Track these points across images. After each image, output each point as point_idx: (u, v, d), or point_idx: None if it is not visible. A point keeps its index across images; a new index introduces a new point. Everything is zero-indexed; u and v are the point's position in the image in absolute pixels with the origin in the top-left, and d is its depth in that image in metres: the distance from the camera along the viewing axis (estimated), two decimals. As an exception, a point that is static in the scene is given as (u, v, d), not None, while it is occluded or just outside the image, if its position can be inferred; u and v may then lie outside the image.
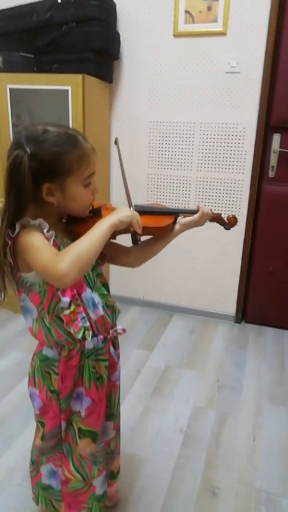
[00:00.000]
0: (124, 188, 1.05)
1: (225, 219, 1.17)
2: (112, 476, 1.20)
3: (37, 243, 0.82)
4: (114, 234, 0.97)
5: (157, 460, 1.50)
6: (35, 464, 1.11)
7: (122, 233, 0.95)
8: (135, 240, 0.94)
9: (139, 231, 0.91)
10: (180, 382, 1.95)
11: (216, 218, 1.15)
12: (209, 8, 2.17)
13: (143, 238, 0.98)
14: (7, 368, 2.00)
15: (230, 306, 2.56)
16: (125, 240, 1.01)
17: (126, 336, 1.09)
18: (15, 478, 1.39)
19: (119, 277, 2.67)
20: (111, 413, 1.10)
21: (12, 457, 1.48)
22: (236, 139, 2.28)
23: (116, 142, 1.15)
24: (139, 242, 0.95)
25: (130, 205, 0.98)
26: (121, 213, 0.89)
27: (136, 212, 0.92)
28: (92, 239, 0.82)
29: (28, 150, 0.82)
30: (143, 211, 1.02)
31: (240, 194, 2.35)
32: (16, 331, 2.35)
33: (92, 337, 0.95)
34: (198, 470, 1.46)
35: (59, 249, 0.87)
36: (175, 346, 2.27)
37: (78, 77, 2.06)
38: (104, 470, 1.09)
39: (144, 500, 1.33)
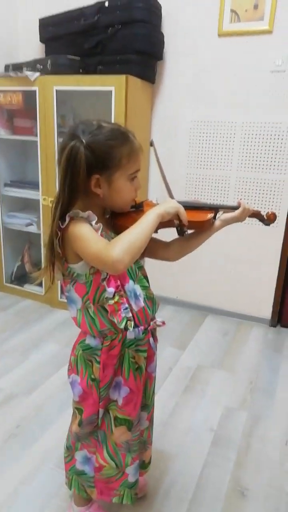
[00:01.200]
0: (164, 185, 1.07)
1: (264, 215, 1.16)
2: (143, 465, 1.22)
3: (88, 233, 0.86)
4: (157, 227, 1.00)
5: (186, 456, 1.50)
6: (70, 450, 1.15)
7: (165, 226, 0.97)
8: (181, 231, 0.94)
9: (186, 222, 0.92)
10: (212, 382, 1.94)
11: (256, 214, 1.14)
12: (255, 7, 2.15)
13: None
14: (44, 359, 2.07)
15: (265, 309, 2.52)
16: (163, 234, 1.04)
17: (159, 333, 1.11)
18: (49, 463, 1.44)
19: (153, 276, 2.68)
20: (145, 403, 1.12)
21: (46, 443, 1.53)
22: (278, 139, 2.24)
23: (151, 144, 1.16)
24: (185, 233, 0.95)
25: (170, 196, 1.00)
26: (168, 204, 0.91)
27: (181, 205, 0.94)
28: (141, 228, 0.85)
29: (84, 141, 0.87)
30: (184, 205, 1.04)
31: (281, 195, 2.31)
32: (54, 324, 2.43)
33: (133, 327, 0.98)
34: (228, 470, 1.45)
35: None
36: (208, 346, 2.26)
37: (122, 77, 2.11)
38: (137, 459, 1.11)
39: (172, 495, 1.34)
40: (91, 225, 0.89)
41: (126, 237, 0.84)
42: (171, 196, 1.00)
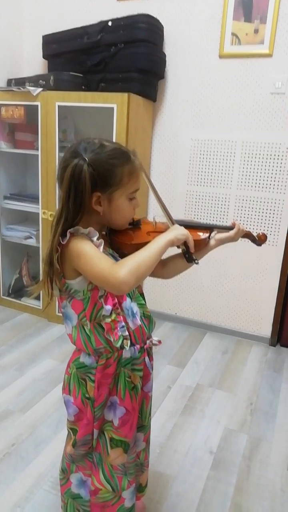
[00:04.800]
0: (164, 212, 1.05)
1: (256, 236, 1.21)
2: (140, 489, 1.19)
3: (91, 250, 0.86)
4: None
5: (185, 479, 1.46)
6: (65, 472, 1.11)
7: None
8: (189, 258, 0.97)
9: (193, 249, 0.95)
10: (212, 402, 1.90)
11: (248, 235, 1.19)
12: (256, 31, 2.20)
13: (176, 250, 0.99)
14: (40, 375, 2.03)
15: (265, 328, 2.50)
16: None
17: (157, 351, 1.10)
18: (44, 485, 1.40)
19: (153, 291, 2.68)
20: (142, 424, 1.09)
21: (41, 464, 1.49)
22: (277, 158, 2.26)
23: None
24: (195, 260, 0.97)
25: (172, 222, 1.01)
26: (177, 230, 0.93)
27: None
28: (150, 253, 0.86)
29: (87, 159, 0.87)
30: (180, 224, 1.07)
31: (280, 213, 2.32)
32: (50, 339, 2.40)
33: (129, 346, 0.96)
34: (228, 495, 1.41)
35: None
36: (207, 364, 2.23)
37: (124, 95, 2.13)
38: (134, 482, 1.08)
39: (171, 521, 1.30)
40: (92, 241, 0.88)
41: (135, 259, 0.84)
42: (171, 219, 1.01)
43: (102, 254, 0.87)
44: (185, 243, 0.94)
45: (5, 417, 1.71)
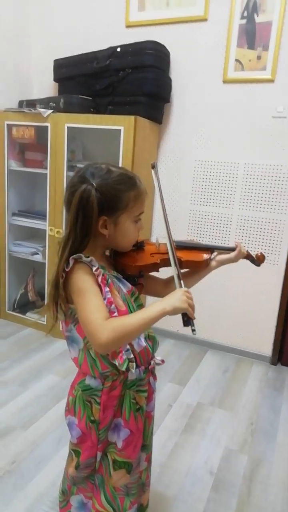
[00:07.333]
0: (162, 210, 1.07)
1: (254, 257, 1.24)
2: (141, 509, 1.19)
3: (89, 292, 0.87)
4: (156, 267, 1.04)
5: (185, 500, 1.46)
6: (65, 494, 1.11)
7: (163, 266, 1.04)
8: (187, 322, 0.90)
9: (193, 317, 0.89)
10: (212, 421, 1.91)
11: (248, 256, 1.23)
12: (258, 57, 2.27)
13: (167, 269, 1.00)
14: (43, 391, 2.05)
15: (266, 346, 2.51)
16: (163, 272, 1.07)
17: (159, 369, 1.12)
18: (43, 505, 1.40)
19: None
20: (144, 443, 1.10)
21: (42, 482, 1.49)
22: (279, 180, 2.31)
23: (153, 167, 1.12)
24: (194, 330, 0.89)
25: (180, 284, 0.97)
26: (177, 300, 0.88)
27: (191, 297, 0.91)
28: (140, 321, 0.85)
29: (94, 184, 0.91)
30: (182, 246, 1.12)
31: (281, 234, 2.35)
32: (54, 355, 2.42)
33: (135, 368, 0.98)
34: (228, 517, 1.41)
35: (107, 282, 0.92)
36: (208, 383, 2.24)
37: (131, 118, 2.20)
38: (136, 503, 1.09)
39: None
40: (92, 270, 0.89)
41: (124, 325, 0.83)
42: (180, 282, 0.97)
43: (98, 300, 0.87)
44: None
45: (7, 434, 1.73)
